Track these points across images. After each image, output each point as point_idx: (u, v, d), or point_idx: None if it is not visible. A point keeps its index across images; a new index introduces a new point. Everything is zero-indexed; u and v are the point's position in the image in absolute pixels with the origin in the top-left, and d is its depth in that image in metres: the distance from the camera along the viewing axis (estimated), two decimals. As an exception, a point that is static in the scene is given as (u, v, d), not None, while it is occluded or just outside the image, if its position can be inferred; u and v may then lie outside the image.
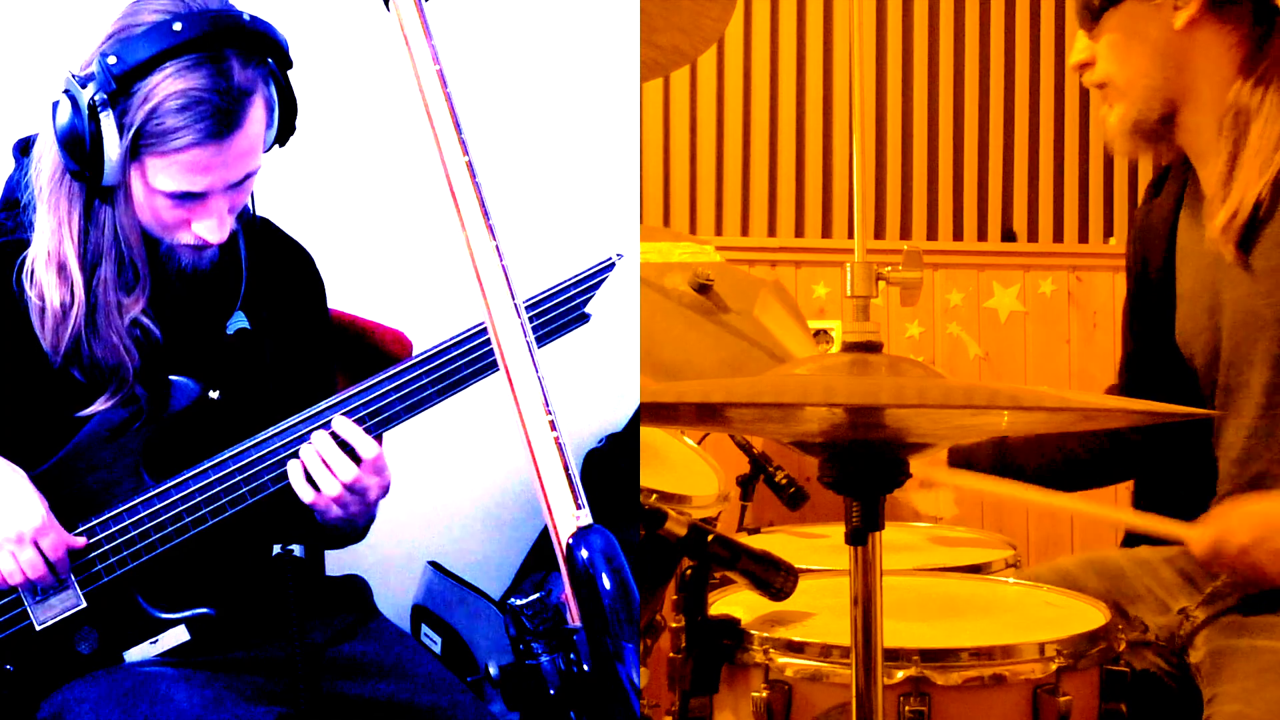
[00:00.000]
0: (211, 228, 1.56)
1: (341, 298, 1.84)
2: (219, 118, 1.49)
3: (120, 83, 1.47)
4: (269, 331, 1.70)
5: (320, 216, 1.95)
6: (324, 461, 1.58)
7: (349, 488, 1.58)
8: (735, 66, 3.31)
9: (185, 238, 1.58)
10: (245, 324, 1.67)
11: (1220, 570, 1.67)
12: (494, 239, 1.14)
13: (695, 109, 3.32)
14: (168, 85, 1.47)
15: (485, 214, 1.14)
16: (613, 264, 1.70)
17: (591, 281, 1.69)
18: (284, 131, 1.60)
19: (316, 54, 1.72)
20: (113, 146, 1.49)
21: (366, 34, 1.72)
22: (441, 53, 1.18)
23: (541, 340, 1.66)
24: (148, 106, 1.48)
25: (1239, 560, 1.61)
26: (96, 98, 1.48)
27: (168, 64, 1.48)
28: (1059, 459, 1.98)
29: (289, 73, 1.59)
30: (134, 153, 1.50)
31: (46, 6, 2.03)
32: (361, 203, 2.30)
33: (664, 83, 3.28)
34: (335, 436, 1.59)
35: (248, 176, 1.57)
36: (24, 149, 1.64)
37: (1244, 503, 1.67)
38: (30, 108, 1.59)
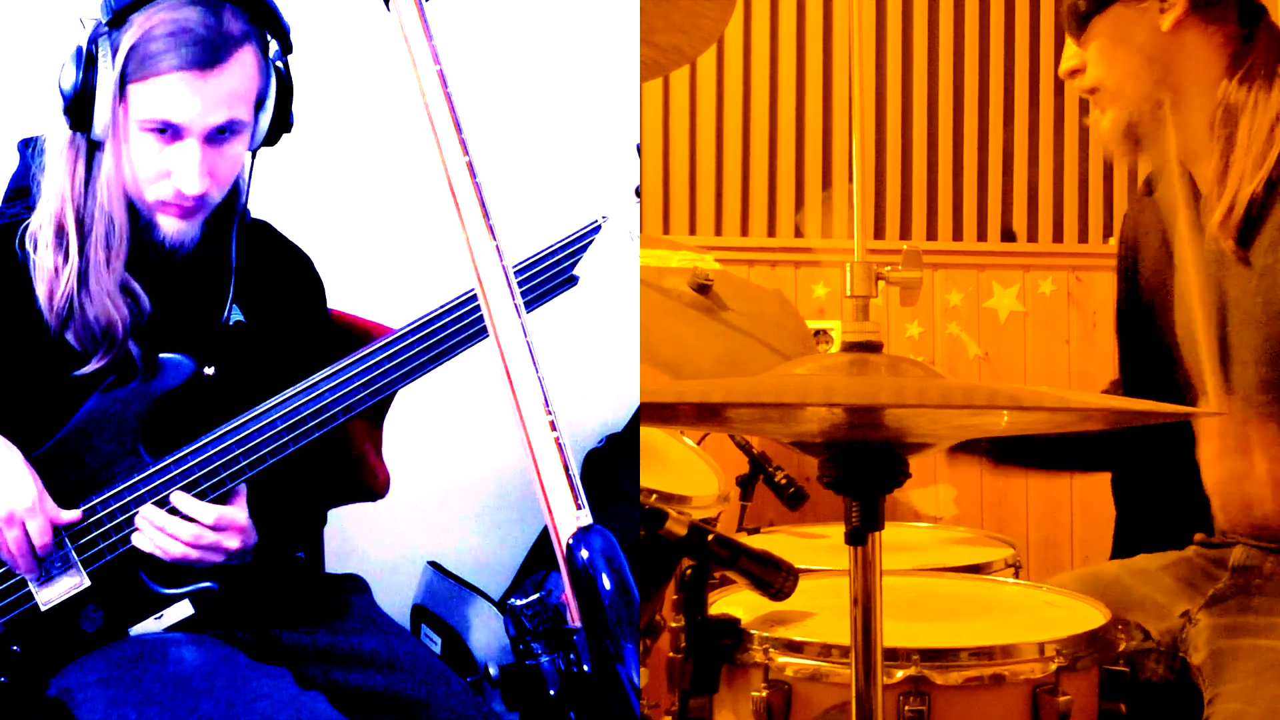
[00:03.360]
0: (189, 177, 1.57)
1: (340, 297, 1.84)
2: (203, 48, 1.53)
3: (118, 15, 1.53)
4: (265, 327, 1.71)
5: (319, 215, 1.95)
6: (162, 529, 1.59)
7: (196, 546, 1.58)
8: (735, 66, 3.31)
9: (164, 192, 1.59)
10: (241, 318, 1.68)
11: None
12: (494, 239, 1.14)
13: (695, 109, 3.32)
14: (159, 15, 1.54)
15: (485, 214, 1.14)
16: (599, 226, 1.72)
17: (578, 245, 1.71)
18: (279, 121, 1.63)
19: (317, 53, 1.72)
20: (105, 84, 1.53)
21: (366, 34, 1.73)
22: (441, 53, 1.18)
23: (531, 305, 1.68)
24: (138, 33, 1.53)
25: None
26: (97, 25, 1.53)
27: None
28: (1054, 437, 1.98)
29: (289, 59, 1.62)
30: (121, 85, 1.54)
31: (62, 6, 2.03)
32: (361, 203, 2.30)
33: (664, 83, 3.28)
34: (174, 510, 1.59)
35: (230, 129, 1.58)
36: (27, 144, 1.66)
37: None
38: (37, 106, 1.59)
